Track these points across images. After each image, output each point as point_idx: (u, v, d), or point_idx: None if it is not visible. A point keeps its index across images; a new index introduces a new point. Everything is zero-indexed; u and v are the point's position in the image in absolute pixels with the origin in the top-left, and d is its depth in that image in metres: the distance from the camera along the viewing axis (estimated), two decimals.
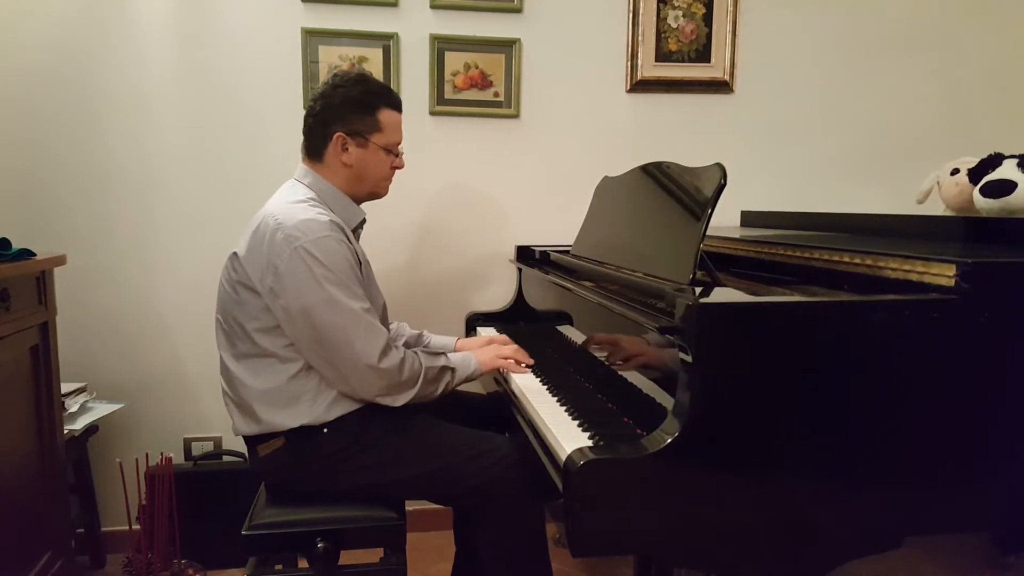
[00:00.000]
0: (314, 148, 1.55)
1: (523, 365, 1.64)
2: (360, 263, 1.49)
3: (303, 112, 2.15)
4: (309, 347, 1.40)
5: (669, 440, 1.01)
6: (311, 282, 1.36)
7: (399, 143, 1.59)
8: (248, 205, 2.16)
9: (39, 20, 2.04)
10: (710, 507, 1.05)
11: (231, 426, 1.51)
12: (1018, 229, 1.49)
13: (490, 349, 1.65)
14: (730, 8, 2.32)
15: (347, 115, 1.51)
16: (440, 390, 1.51)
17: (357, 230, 1.61)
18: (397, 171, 1.62)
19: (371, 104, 1.52)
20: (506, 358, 1.63)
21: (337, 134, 1.51)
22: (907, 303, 1.09)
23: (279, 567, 1.59)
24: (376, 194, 1.62)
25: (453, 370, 1.53)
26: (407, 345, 1.80)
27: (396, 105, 1.57)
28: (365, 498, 1.46)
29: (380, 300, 1.60)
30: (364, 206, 1.62)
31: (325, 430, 1.43)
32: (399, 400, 1.44)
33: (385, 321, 1.60)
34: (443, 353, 1.57)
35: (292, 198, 1.49)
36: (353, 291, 1.40)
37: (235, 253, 1.47)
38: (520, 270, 2.21)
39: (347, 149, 1.52)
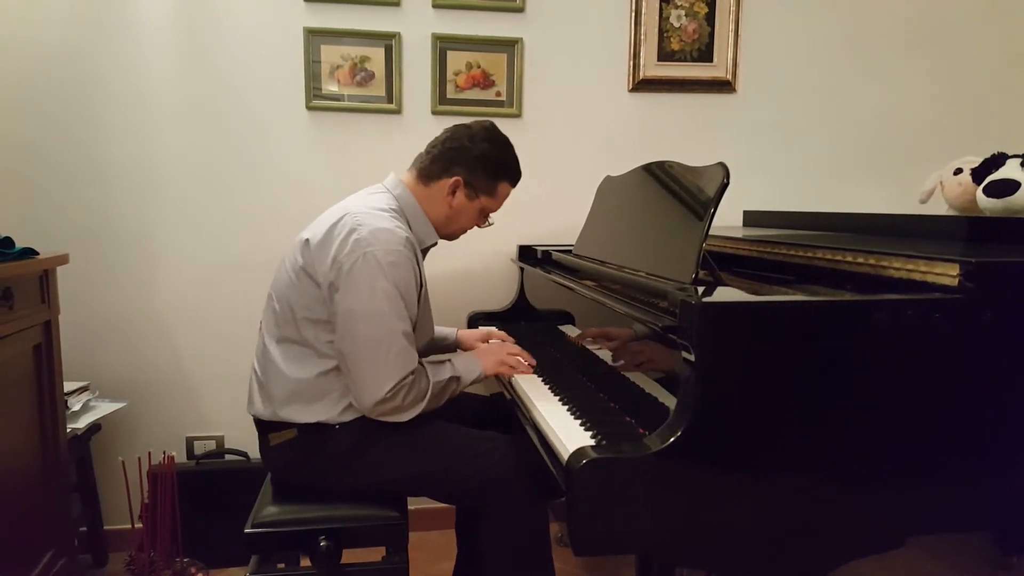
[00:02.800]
0: (428, 173, 1.58)
1: (526, 365, 1.63)
2: (421, 285, 1.51)
3: (305, 111, 2.19)
4: (343, 348, 1.41)
5: (671, 439, 1.01)
6: (368, 290, 1.38)
7: (495, 211, 1.65)
8: (249, 204, 2.19)
9: (40, 20, 2.04)
10: (712, 506, 1.05)
11: (247, 405, 1.53)
12: (1021, 229, 1.49)
13: (494, 352, 1.63)
14: (732, 8, 2.32)
15: (476, 168, 1.57)
16: (446, 399, 1.52)
17: (425, 251, 1.63)
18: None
19: (500, 173, 1.60)
20: (510, 363, 1.62)
21: (457, 177, 1.56)
22: (910, 303, 1.09)
23: (281, 565, 1.59)
24: (450, 238, 1.67)
25: (458, 379, 1.53)
26: None
27: (516, 182, 1.65)
28: (368, 497, 1.47)
29: (429, 329, 1.62)
30: None
31: (336, 427, 1.45)
32: (404, 417, 1.44)
33: (424, 350, 1.60)
34: (448, 361, 1.56)
35: (376, 204, 1.50)
36: (402, 312, 1.41)
37: (307, 240, 1.47)
38: (522, 269, 2.21)
39: (455, 193, 1.57)
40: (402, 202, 1.56)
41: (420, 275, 1.49)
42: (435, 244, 1.64)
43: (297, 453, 1.47)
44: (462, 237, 2.32)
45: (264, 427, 1.51)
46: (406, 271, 1.42)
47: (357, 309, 1.38)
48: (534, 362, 1.64)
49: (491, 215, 1.67)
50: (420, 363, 1.49)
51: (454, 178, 1.56)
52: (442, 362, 1.55)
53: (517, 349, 1.67)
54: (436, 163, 1.57)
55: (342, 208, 1.49)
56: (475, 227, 1.68)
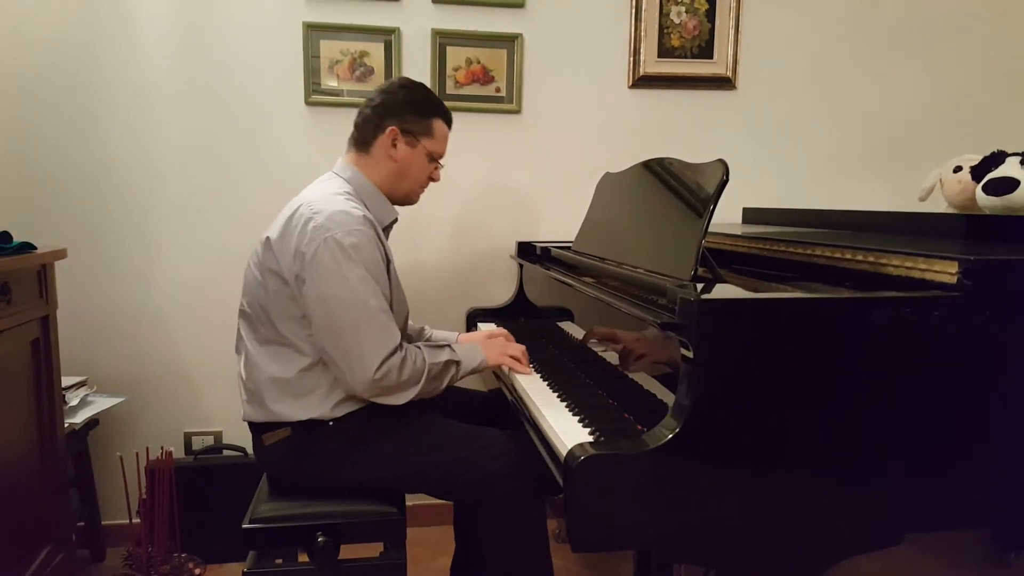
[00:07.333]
0: (364, 138, 1.57)
1: (527, 363, 1.63)
2: (388, 261, 1.50)
3: (304, 106, 2.18)
4: (322, 336, 1.41)
5: (669, 436, 1.01)
6: (335, 273, 1.37)
7: (442, 155, 1.63)
8: (249, 199, 2.19)
9: (39, 13, 2.03)
10: (710, 503, 1.05)
11: (240, 413, 1.52)
12: (1020, 227, 1.49)
13: (496, 344, 1.63)
14: (733, 4, 2.31)
15: (405, 113, 1.55)
16: (445, 384, 1.51)
17: (387, 228, 1.62)
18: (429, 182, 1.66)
19: (429, 110, 1.58)
20: (512, 356, 1.61)
21: (391, 127, 1.54)
22: (909, 300, 1.09)
23: (279, 561, 1.59)
24: (409, 199, 1.65)
25: (458, 363, 1.52)
26: (408, 339, 1.79)
27: (449, 120, 1.63)
28: (366, 493, 1.47)
29: (404, 307, 1.60)
30: None
31: (331, 423, 1.44)
32: (400, 399, 1.43)
33: (404, 327, 1.60)
34: (448, 345, 1.55)
35: (329, 190, 1.50)
36: (375, 290, 1.41)
37: (267, 238, 1.47)
38: (521, 266, 2.21)
39: (396, 145, 1.55)
40: (354, 183, 1.55)
41: (384, 251, 1.49)
42: (396, 220, 1.63)
43: (292, 451, 1.47)
44: (460, 233, 2.33)
45: (257, 429, 1.50)
46: (369, 249, 1.41)
47: (329, 294, 1.38)
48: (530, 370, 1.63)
49: (440, 160, 1.63)
50: (417, 345, 1.49)
51: (388, 129, 1.54)
52: (441, 347, 1.54)
53: (520, 348, 1.65)
54: (366, 126, 1.57)
55: (297, 200, 1.49)
56: (429, 180, 1.64)
